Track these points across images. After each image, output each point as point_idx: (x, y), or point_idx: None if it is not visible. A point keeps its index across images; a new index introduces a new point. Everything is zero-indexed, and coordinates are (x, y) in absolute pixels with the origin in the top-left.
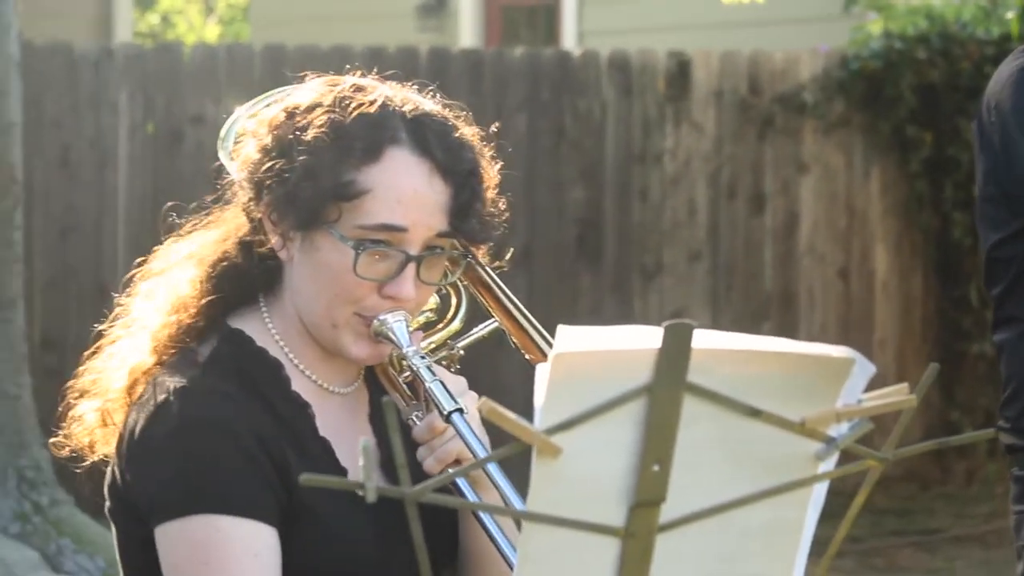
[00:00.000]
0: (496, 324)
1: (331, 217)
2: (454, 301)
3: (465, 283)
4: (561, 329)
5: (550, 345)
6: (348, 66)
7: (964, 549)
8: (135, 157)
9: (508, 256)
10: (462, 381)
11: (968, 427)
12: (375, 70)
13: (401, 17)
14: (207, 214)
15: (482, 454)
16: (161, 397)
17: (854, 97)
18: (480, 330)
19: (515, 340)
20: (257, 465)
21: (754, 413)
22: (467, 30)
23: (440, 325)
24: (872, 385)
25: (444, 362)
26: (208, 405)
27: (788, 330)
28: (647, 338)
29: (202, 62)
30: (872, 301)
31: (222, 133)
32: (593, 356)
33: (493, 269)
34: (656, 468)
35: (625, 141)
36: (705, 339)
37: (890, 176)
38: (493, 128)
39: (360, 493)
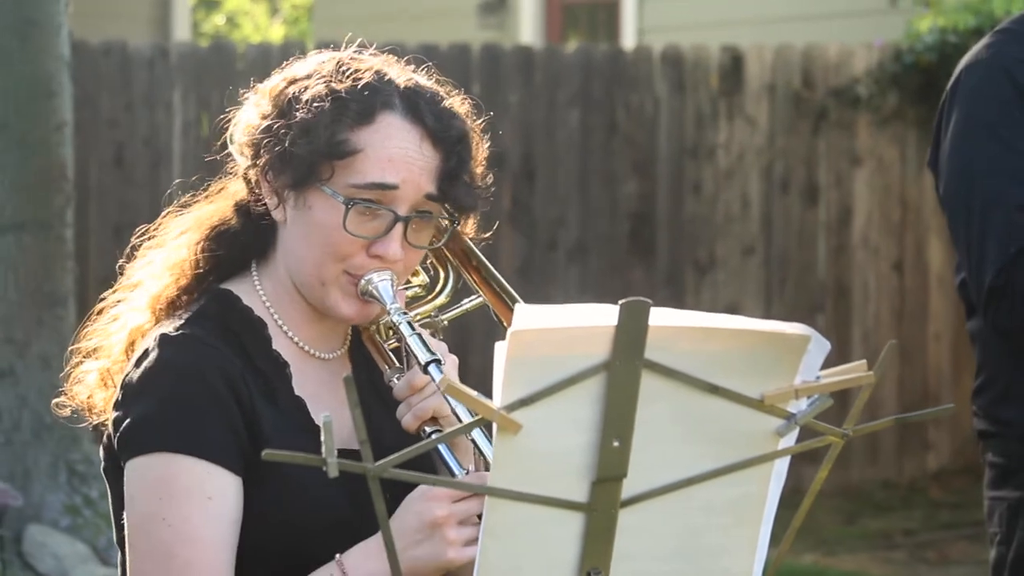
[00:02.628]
0: (481, 299)
1: (324, 175)
2: (442, 277)
3: (454, 261)
4: (519, 307)
5: None
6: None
7: None
8: (188, 155)
9: (490, 234)
10: (442, 346)
11: None
12: (428, 66)
13: (463, 16)
14: (206, 187)
15: (455, 404)
16: (144, 347)
17: (908, 90)
18: (465, 303)
19: (498, 315)
20: (224, 411)
21: (713, 389)
22: (528, 28)
23: (427, 299)
24: (931, 377)
25: (428, 330)
26: (184, 350)
27: (842, 323)
28: (604, 316)
29: (256, 60)
30: (927, 294)
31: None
32: (551, 333)
33: (478, 242)
34: (616, 444)
35: (678, 135)
36: (662, 317)
37: None
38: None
39: (323, 469)
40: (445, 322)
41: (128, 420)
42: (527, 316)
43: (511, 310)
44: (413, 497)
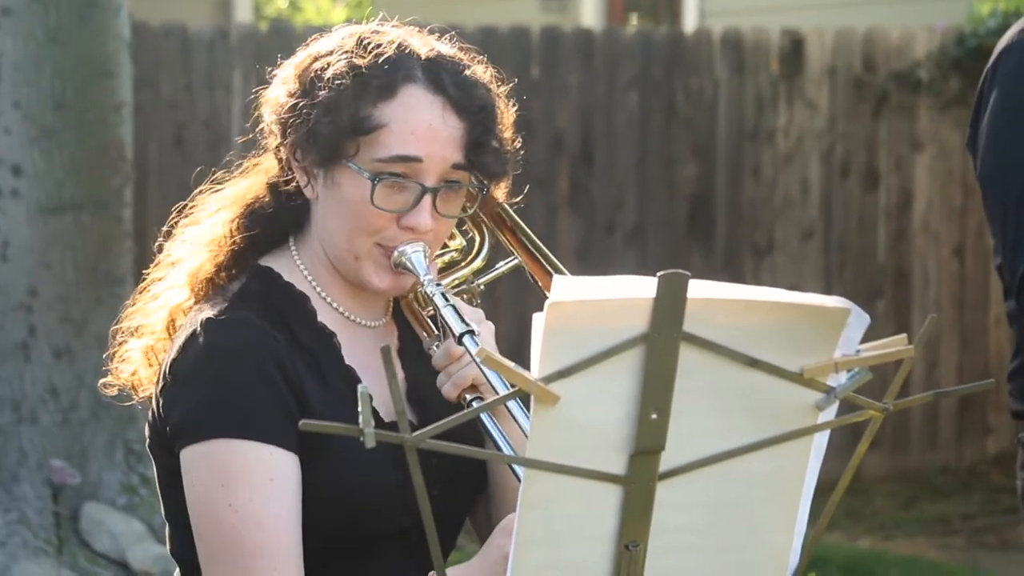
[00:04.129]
0: (517, 261)
1: (349, 152)
2: (477, 241)
3: (489, 224)
4: (557, 278)
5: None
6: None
7: None
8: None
9: (521, 198)
10: (479, 312)
11: None
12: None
13: None
14: (240, 163)
15: (491, 374)
16: (190, 330)
17: (971, 74)
18: (501, 267)
19: (534, 276)
20: (277, 392)
21: (752, 363)
22: (589, 11)
23: (463, 263)
24: (992, 363)
25: (465, 296)
26: (231, 333)
27: (901, 308)
28: (643, 288)
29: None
30: (987, 279)
31: None
32: (589, 305)
33: (513, 206)
34: (654, 416)
35: (737, 119)
36: (701, 289)
37: None
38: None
39: (360, 439)
40: (482, 287)
41: (181, 408)
42: (565, 287)
43: (546, 271)
44: (497, 530)
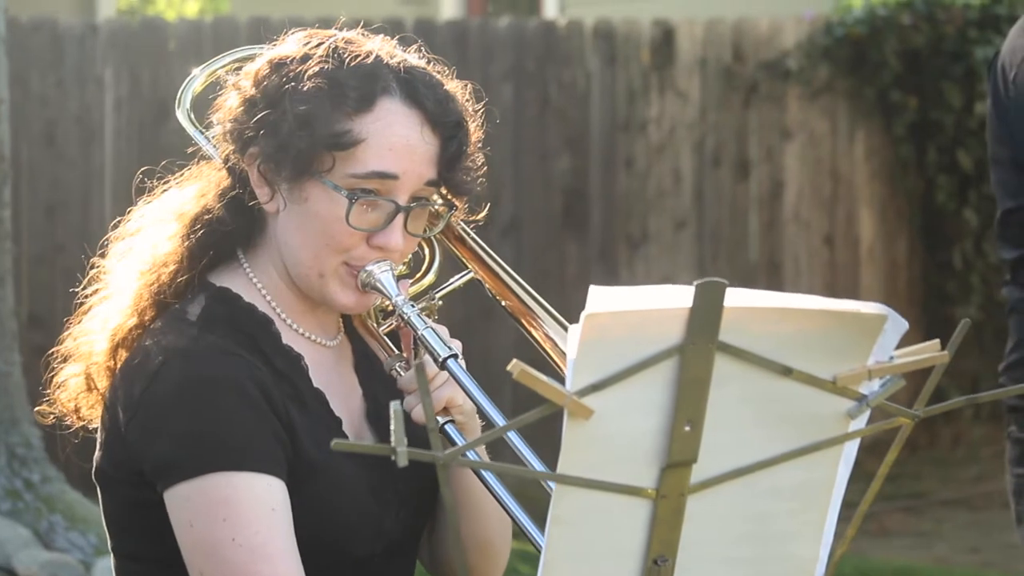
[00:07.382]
0: (471, 274)
1: (324, 167)
2: (427, 253)
3: (438, 236)
4: (593, 289)
5: (524, 289)
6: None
7: (952, 512)
8: (121, 132)
9: (483, 215)
10: (443, 329)
11: (955, 391)
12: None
13: None
14: (179, 172)
15: (480, 397)
16: (159, 359)
17: (839, 63)
18: (456, 280)
19: (491, 288)
20: (265, 420)
21: (786, 371)
22: (449, 1)
23: (415, 278)
24: None
25: (424, 312)
26: (212, 363)
27: None
28: (678, 297)
29: (187, 36)
30: (857, 267)
31: (179, 95)
32: (624, 316)
33: (470, 223)
34: (688, 428)
35: (610, 110)
36: (736, 298)
37: (875, 141)
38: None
39: (392, 458)
40: (440, 302)
41: (163, 444)
42: (601, 298)
43: (503, 283)
44: None
